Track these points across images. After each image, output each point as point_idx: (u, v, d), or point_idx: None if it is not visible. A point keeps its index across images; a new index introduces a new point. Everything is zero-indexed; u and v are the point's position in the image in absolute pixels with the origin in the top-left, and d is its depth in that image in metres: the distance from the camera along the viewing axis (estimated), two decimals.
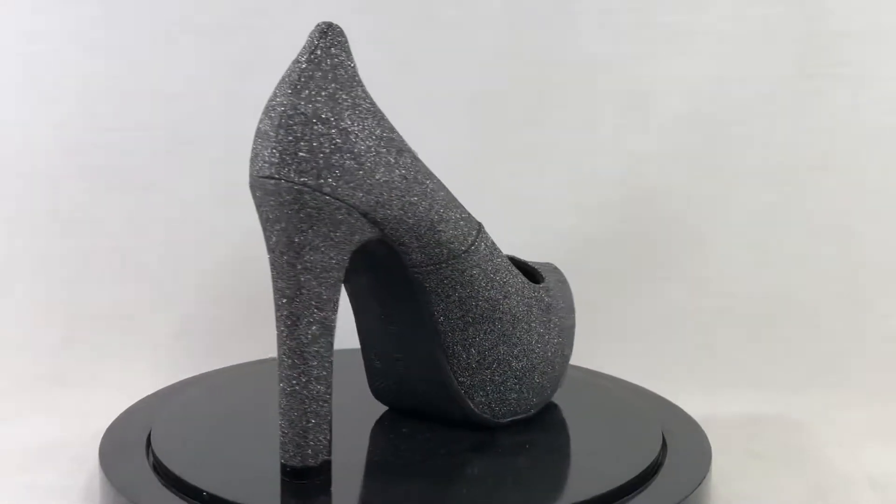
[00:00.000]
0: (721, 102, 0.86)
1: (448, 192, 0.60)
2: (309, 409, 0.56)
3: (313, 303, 0.55)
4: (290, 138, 0.54)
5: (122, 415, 0.66)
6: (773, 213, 0.86)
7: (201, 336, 0.83)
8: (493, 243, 0.62)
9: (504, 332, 0.62)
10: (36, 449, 0.70)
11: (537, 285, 0.65)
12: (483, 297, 0.61)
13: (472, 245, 0.61)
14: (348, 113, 0.55)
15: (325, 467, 0.57)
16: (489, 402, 0.63)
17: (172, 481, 0.57)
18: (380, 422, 0.66)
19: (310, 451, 0.56)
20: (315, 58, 0.55)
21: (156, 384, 0.72)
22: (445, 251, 0.59)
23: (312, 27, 0.86)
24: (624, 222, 0.86)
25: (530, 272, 0.67)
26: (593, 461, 0.61)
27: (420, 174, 0.58)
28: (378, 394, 0.66)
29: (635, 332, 0.85)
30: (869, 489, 0.67)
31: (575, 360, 0.77)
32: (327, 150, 0.54)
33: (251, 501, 0.55)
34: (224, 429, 0.64)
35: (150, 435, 0.62)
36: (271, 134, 0.54)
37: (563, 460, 0.61)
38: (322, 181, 0.54)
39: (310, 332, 0.55)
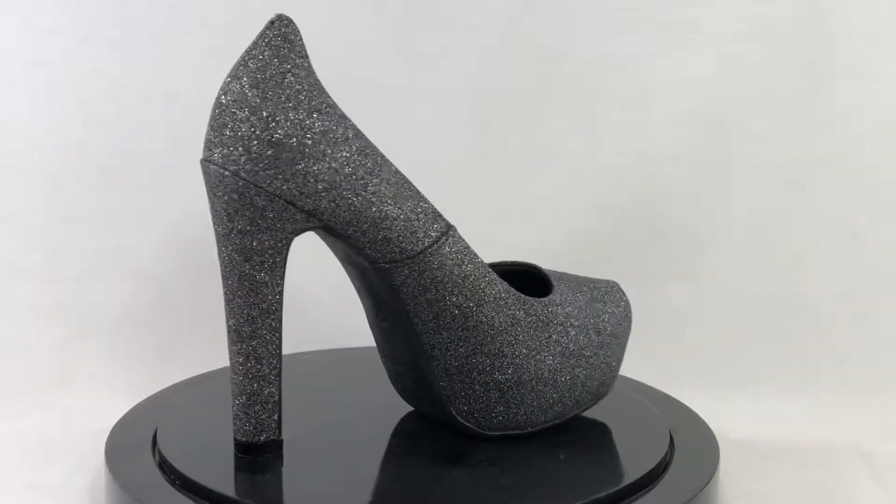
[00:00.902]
0: (724, 101, 0.86)
1: (403, 190, 0.59)
2: (248, 388, 0.58)
3: (247, 284, 0.57)
4: (219, 123, 0.56)
5: (127, 414, 0.66)
6: (776, 213, 0.86)
7: (206, 335, 0.82)
8: (465, 248, 0.60)
9: (481, 341, 0.60)
10: (39, 448, 0.70)
11: (533, 298, 0.62)
12: (451, 302, 0.59)
13: (431, 247, 0.59)
14: (275, 102, 0.56)
15: (274, 447, 0.59)
16: (472, 412, 0.61)
17: (179, 480, 0.57)
18: (397, 418, 0.66)
19: (252, 429, 0.58)
20: (255, 48, 0.57)
21: (161, 383, 0.71)
22: (397, 250, 0.58)
23: (317, 27, 0.86)
24: (627, 221, 0.86)
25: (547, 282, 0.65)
26: (600, 460, 0.61)
27: (361, 169, 0.57)
28: (397, 390, 0.66)
29: (640, 330, 0.84)
30: (875, 487, 0.67)
31: None
32: (246, 137, 0.55)
33: (255, 500, 0.56)
34: (230, 427, 0.64)
35: (155, 434, 0.62)
36: (209, 119, 0.57)
37: (570, 459, 0.61)
38: (239, 167, 0.56)
39: (245, 312, 0.57)
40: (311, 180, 0.56)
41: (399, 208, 0.58)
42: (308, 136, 0.56)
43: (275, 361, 0.58)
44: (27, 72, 0.85)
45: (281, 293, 0.57)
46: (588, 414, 0.67)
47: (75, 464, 0.67)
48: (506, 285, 0.61)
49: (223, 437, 0.62)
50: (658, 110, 0.86)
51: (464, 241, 0.60)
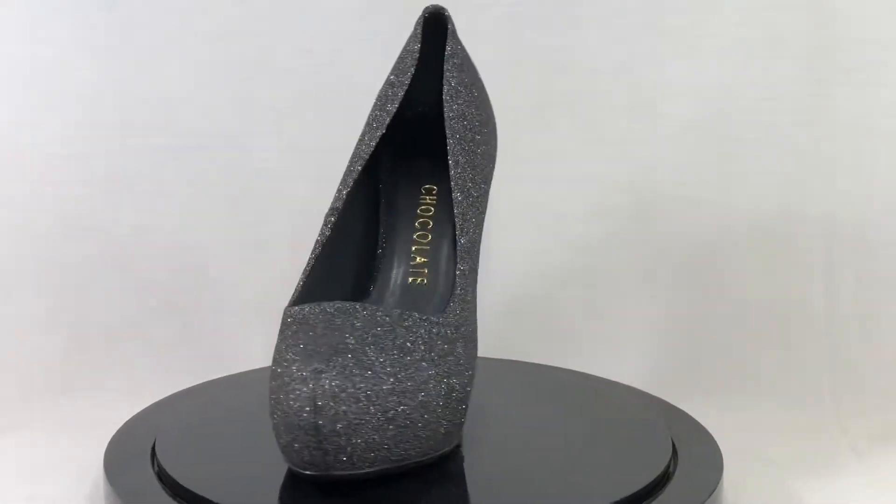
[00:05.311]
0: (730, 107, 0.85)
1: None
2: None
3: None
4: None
5: (126, 423, 0.66)
6: (782, 219, 0.85)
7: (206, 344, 0.83)
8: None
9: None
10: (39, 460, 0.70)
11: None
12: None
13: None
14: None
15: None
16: None
17: (177, 490, 0.57)
18: None
19: None
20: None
21: (160, 392, 0.71)
22: None
23: (317, 31, 0.87)
24: (631, 228, 0.86)
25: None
26: (601, 471, 0.60)
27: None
28: None
29: (643, 338, 0.84)
30: (882, 495, 0.66)
31: (581, 365, 0.77)
32: None
33: None
34: (229, 437, 0.64)
35: (154, 444, 0.62)
36: None
37: (570, 470, 0.60)
38: None
39: None
40: None
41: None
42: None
43: None
44: (29, 79, 0.85)
45: None
46: (589, 422, 0.66)
47: (75, 474, 0.67)
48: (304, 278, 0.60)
49: (222, 446, 0.62)
50: (662, 117, 0.86)
51: (324, 229, 0.61)
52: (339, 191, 0.63)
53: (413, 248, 0.66)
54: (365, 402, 0.53)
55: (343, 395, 0.52)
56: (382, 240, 0.67)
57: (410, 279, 0.65)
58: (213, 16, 0.85)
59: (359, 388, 0.53)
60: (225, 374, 0.75)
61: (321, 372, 0.53)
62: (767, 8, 0.84)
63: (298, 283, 0.60)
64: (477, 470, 0.60)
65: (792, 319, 0.84)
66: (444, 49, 0.65)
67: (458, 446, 0.60)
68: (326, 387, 0.52)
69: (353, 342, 0.54)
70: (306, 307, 0.57)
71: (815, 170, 0.85)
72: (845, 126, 0.85)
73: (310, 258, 0.61)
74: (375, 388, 0.53)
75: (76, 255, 0.85)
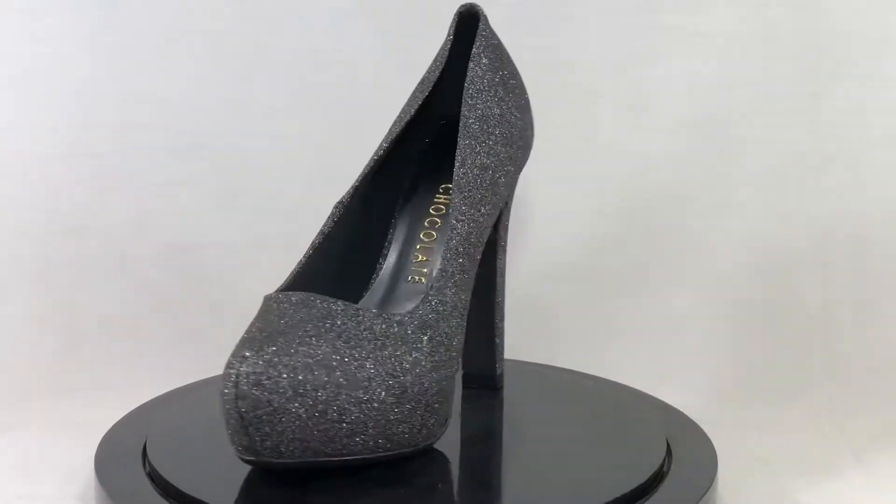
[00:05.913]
0: (725, 104, 0.85)
1: None
2: None
3: None
4: None
5: (118, 423, 0.66)
6: (777, 216, 0.85)
7: (199, 343, 0.82)
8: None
9: None
10: (32, 459, 0.69)
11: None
12: None
13: None
14: None
15: None
16: None
17: (168, 490, 0.57)
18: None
19: None
20: None
21: (156, 392, 0.71)
22: None
23: (313, 30, 0.87)
24: (626, 225, 0.86)
25: None
26: (595, 470, 0.60)
27: None
28: None
29: (638, 336, 0.84)
30: (878, 495, 0.66)
31: (576, 364, 0.77)
32: None
33: None
34: (220, 437, 0.63)
35: (146, 443, 0.62)
36: None
37: (564, 469, 0.60)
38: None
39: None
40: None
41: None
42: None
43: None
44: (28, 76, 0.85)
45: None
46: (582, 421, 0.66)
47: (67, 473, 0.67)
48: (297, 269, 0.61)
49: (213, 446, 0.62)
50: (658, 115, 0.86)
51: (327, 222, 0.62)
52: (352, 186, 0.63)
53: (417, 247, 0.66)
54: (291, 393, 0.52)
55: (266, 382, 0.52)
56: (391, 236, 0.67)
57: (410, 277, 0.65)
58: (212, 15, 0.85)
59: (284, 377, 0.52)
60: (217, 374, 0.74)
61: (247, 358, 0.53)
62: (762, 4, 0.84)
63: (290, 273, 0.60)
64: (474, 469, 0.60)
65: (790, 318, 0.84)
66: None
67: (443, 449, 0.60)
68: (250, 373, 0.52)
69: (293, 332, 0.54)
70: (275, 295, 0.57)
71: (813, 169, 0.85)
72: (844, 125, 0.85)
73: (307, 249, 0.61)
74: (305, 379, 0.53)
75: (72, 254, 0.85)
